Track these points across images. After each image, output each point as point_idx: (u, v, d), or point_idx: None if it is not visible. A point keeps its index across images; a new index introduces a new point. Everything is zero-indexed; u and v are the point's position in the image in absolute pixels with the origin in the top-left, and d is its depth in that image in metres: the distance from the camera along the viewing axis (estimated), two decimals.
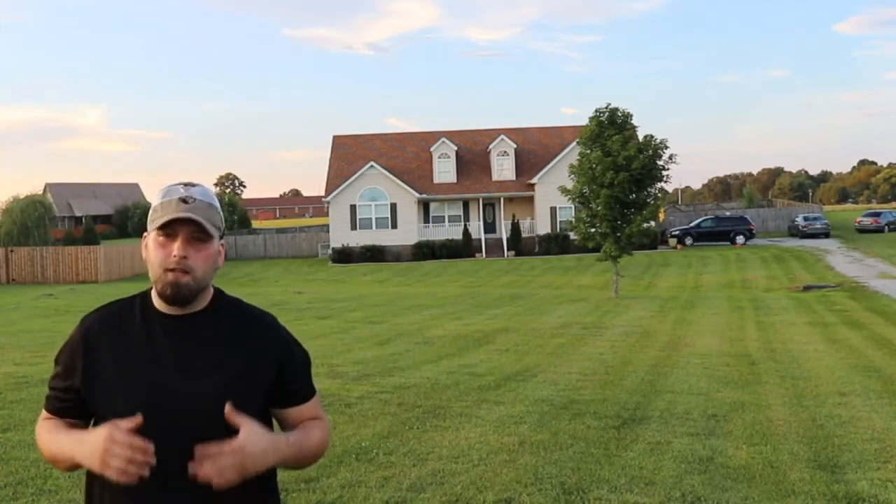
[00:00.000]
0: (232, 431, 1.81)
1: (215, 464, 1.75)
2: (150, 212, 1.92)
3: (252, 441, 1.80)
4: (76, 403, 1.94)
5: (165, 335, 1.92)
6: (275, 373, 1.96)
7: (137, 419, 1.75)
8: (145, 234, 1.94)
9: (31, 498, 5.03)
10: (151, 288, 1.96)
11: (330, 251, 47.06)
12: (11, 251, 37.75)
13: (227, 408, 1.80)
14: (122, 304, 2.00)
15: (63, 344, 1.99)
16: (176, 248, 1.86)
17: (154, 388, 1.86)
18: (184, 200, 1.88)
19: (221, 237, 1.99)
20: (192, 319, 1.94)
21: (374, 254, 45.62)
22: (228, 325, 1.97)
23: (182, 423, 1.84)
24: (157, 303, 1.95)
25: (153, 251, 1.89)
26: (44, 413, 2.01)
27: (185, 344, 1.91)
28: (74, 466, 1.88)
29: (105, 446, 1.74)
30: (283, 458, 1.90)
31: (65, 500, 5.00)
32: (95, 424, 1.93)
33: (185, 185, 1.93)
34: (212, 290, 2.00)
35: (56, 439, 1.91)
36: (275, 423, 2.05)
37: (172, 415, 1.84)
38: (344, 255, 45.54)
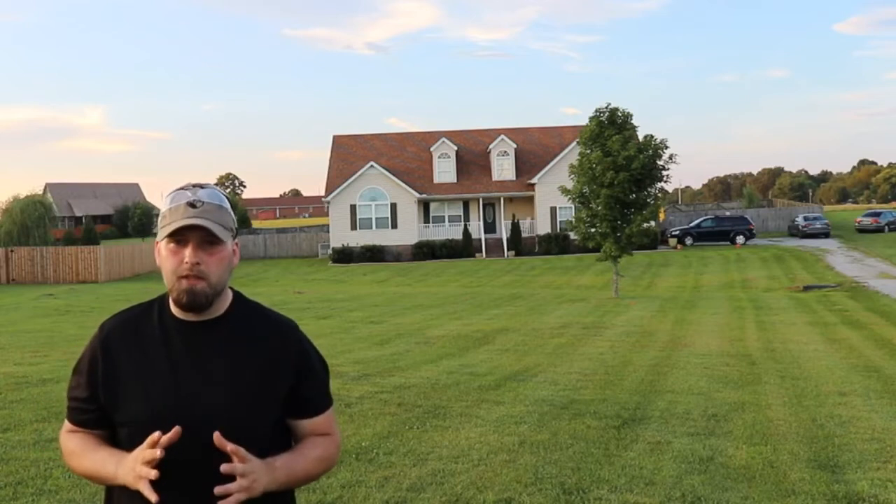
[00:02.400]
0: (242, 439, 1.80)
1: (237, 483, 1.75)
2: (160, 218, 1.89)
3: (255, 465, 1.80)
4: (99, 415, 1.90)
5: (183, 342, 1.89)
6: (291, 382, 1.92)
7: (155, 437, 1.74)
8: (157, 240, 1.91)
9: (31, 498, 5.03)
10: (168, 293, 1.92)
11: (330, 251, 47.05)
12: (11, 251, 37.72)
13: (216, 436, 1.75)
14: (141, 310, 1.97)
15: (82, 352, 1.96)
16: (187, 255, 1.83)
17: (171, 395, 1.84)
18: (192, 205, 1.84)
19: (235, 236, 1.94)
20: (211, 325, 1.91)
21: (374, 254, 45.61)
22: (247, 332, 1.93)
23: (198, 429, 1.81)
24: (175, 308, 1.91)
25: (165, 259, 1.86)
26: (67, 425, 1.96)
27: (203, 350, 1.88)
28: (115, 484, 1.85)
29: (131, 465, 1.77)
30: (276, 481, 1.85)
31: (65, 500, 5.00)
32: (114, 432, 1.91)
33: (193, 187, 1.89)
34: (231, 294, 1.97)
35: (95, 458, 1.88)
36: None
37: (189, 421, 1.81)
38: (344, 255, 45.52)
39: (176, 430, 1.73)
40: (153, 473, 1.71)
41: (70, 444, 1.93)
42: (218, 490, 1.73)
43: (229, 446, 1.75)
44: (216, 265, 1.86)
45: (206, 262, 1.84)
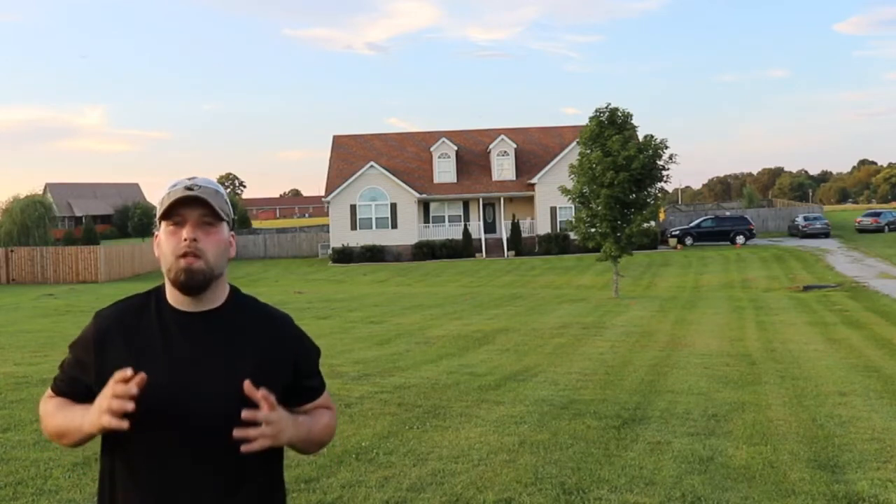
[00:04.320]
0: (246, 424, 1.82)
1: (260, 430, 1.78)
2: (158, 206, 1.93)
3: (281, 414, 1.84)
4: (82, 393, 1.92)
5: (180, 331, 1.91)
6: (290, 373, 1.96)
7: (126, 373, 1.75)
8: (156, 232, 1.94)
9: (31, 498, 5.03)
10: (164, 284, 1.96)
11: (330, 251, 47.05)
12: (11, 251, 37.71)
13: (247, 384, 1.79)
14: (137, 300, 1.99)
15: (78, 336, 1.99)
16: (185, 231, 1.87)
17: (168, 384, 1.85)
18: (189, 188, 1.89)
19: (231, 227, 1.99)
20: (207, 316, 1.93)
21: (374, 254, 45.61)
22: (244, 324, 1.96)
23: (195, 418, 1.84)
24: (172, 298, 1.94)
25: (164, 241, 1.89)
26: (49, 392, 2.01)
27: (200, 340, 1.91)
28: (82, 438, 1.87)
29: (99, 400, 1.78)
30: (298, 435, 1.92)
31: (65, 500, 5.00)
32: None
33: (190, 178, 1.94)
34: (227, 287, 2.00)
35: (67, 413, 1.91)
36: None
37: (186, 410, 1.83)
38: (344, 255, 45.52)
39: (141, 375, 1.74)
40: (130, 406, 1.72)
41: (47, 406, 1.97)
42: (237, 433, 1.77)
43: (260, 392, 1.78)
44: (213, 245, 1.90)
45: (203, 241, 1.88)
